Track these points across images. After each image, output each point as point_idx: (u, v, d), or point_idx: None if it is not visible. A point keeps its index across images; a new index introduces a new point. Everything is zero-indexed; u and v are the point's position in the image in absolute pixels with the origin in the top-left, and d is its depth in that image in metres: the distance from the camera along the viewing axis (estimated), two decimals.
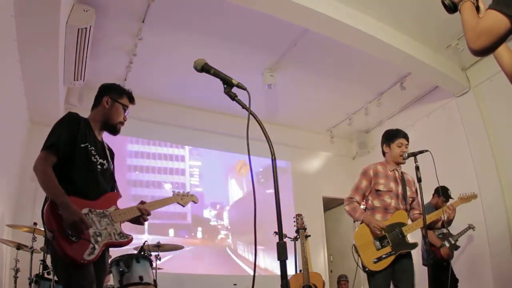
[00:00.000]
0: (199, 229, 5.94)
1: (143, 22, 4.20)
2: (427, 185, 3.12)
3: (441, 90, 5.48)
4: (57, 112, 4.79)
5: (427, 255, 4.10)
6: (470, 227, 4.50)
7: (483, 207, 4.67)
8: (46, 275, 3.32)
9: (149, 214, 2.19)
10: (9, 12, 3.05)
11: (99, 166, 2.07)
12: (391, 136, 3.06)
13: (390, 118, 6.50)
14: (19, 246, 3.44)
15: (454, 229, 4.53)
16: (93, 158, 2.04)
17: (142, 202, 2.22)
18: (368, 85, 5.74)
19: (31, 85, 4.13)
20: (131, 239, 2.05)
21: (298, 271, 4.69)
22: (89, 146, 2.04)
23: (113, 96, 2.20)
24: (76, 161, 1.97)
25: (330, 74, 5.42)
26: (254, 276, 1.40)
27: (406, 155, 3.14)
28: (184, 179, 6.09)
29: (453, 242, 4.35)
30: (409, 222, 2.94)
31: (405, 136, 3.05)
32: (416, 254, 4.36)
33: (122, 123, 2.24)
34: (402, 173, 3.06)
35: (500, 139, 4.76)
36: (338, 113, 6.57)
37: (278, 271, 1.28)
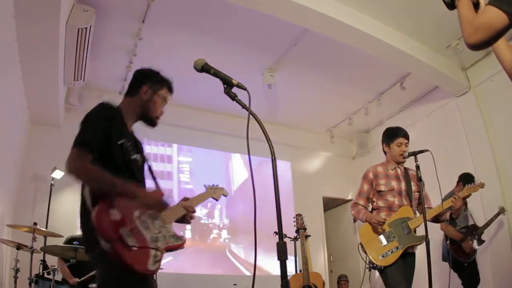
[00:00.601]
0: (188, 227, 5.79)
1: (143, 22, 4.20)
2: (427, 185, 3.13)
3: (441, 90, 5.48)
4: (57, 112, 4.80)
5: (447, 254, 4.10)
6: (501, 211, 4.27)
7: (483, 207, 4.67)
8: (46, 275, 3.32)
9: (194, 212, 1.94)
10: (9, 12, 3.05)
11: (138, 162, 1.85)
12: (391, 135, 3.06)
13: (390, 118, 6.50)
14: (19, 246, 3.44)
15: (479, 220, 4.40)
16: (131, 155, 1.79)
17: (185, 199, 1.97)
18: (368, 85, 5.74)
19: (31, 85, 4.13)
20: (185, 240, 1.84)
21: (298, 271, 4.69)
22: (125, 142, 1.78)
23: (153, 87, 1.97)
24: (113, 159, 1.71)
25: (330, 74, 5.42)
26: (254, 276, 1.41)
27: (407, 154, 3.14)
28: (173, 177, 5.97)
29: (477, 237, 4.18)
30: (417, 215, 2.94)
31: (405, 135, 3.04)
32: (437, 250, 4.35)
33: (158, 117, 2.04)
34: (405, 169, 3.06)
35: (500, 139, 4.76)
36: (338, 113, 6.57)
37: (275, 271, 1.28)
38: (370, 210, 3.03)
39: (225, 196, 2.38)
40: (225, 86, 1.50)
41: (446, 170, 4.28)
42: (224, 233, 6.08)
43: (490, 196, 4.62)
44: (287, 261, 1.28)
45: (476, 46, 1.27)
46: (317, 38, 4.45)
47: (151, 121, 2.01)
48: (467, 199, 4.34)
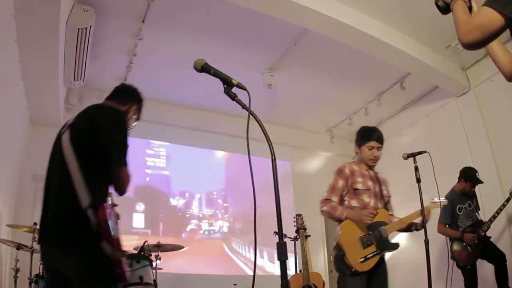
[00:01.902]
0: (161, 215, 5.73)
1: (143, 22, 4.20)
2: (427, 185, 3.13)
3: (441, 90, 5.48)
4: (57, 112, 4.79)
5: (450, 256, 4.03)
6: (511, 196, 3.99)
7: (483, 207, 4.67)
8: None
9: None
10: (9, 12, 3.05)
11: None
12: (362, 138, 2.88)
13: (390, 118, 6.50)
14: (19, 246, 3.44)
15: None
16: None
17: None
18: (368, 85, 5.74)
19: (31, 85, 4.13)
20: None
21: (298, 271, 4.69)
22: None
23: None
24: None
25: (330, 74, 5.42)
26: (254, 276, 1.41)
27: (406, 155, 3.13)
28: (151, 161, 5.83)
29: (482, 234, 4.02)
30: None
31: (379, 139, 2.84)
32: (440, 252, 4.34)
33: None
34: (375, 172, 2.93)
35: (500, 139, 4.76)
36: (338, 113, 6.57)
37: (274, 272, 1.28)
38: None
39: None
40: (225, 86, 1.50)
41: (446, 170, 4.29)
42: (205, 225, 5.96)
43: (490, 196, 4.62)
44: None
45: (470, 45, 1.29)
46: (317, 38, 4.45)
47: None
48: (476, 192, 4.33)
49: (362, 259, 2.53)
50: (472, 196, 4.31)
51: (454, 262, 4.08)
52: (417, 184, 2.99)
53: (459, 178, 4.29)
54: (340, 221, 2.70)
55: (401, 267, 5.91)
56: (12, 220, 4.33)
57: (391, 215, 2.88)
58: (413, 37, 4.62)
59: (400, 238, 6.03)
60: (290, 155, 6.79)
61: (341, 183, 2.77)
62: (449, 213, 4.18)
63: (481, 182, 4.20)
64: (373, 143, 2.82)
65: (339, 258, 2.60)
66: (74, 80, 4.36)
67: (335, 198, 2.75)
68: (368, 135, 2.86)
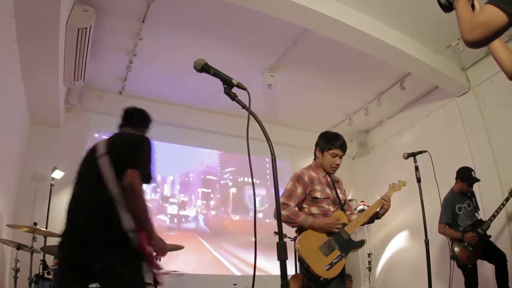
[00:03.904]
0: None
1: (143, 22, 4.20)
2: (426, 185, 3.13)
3: (441, 90, 5.48)
4: (57, 112, 4.80)
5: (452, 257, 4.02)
6: (511, 195, 3.99)
7: (483, 207, 4.67)
8: (46, 275, 3.32)
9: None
10: (9, 12, 3.06)
11: None
12: (327, 143, 2.81)
13: (390, 118, 6.51)
14: (19, 246, 3.44)
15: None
16: None
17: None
18: (368, 85, 5.74)
19: (31, 85, 4.14)
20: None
21: (298, 271, 4.69)
22: None
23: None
24: None
25: (330, 74, 5.42)
26: (254, 276, 1.41)
27: (406, 155, 3.13)
28: None
29: (482, 233, 4.02)
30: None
31: (342, 147, 2.80)
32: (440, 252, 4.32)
33: None
34: (331, 176, 2.89)
35: (500, 139, 4.76)
36: (338, 113, 6.57)
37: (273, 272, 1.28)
38: None
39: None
40: (225, 86, 1.51)
41: (446, 170, 4.29)
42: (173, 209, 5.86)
43: (490, 196, 4.62)
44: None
45: (474, 44, 1.28)
46: (317, 38, 4.45)
47: None
48: (475, 192, 4.31)
49: (328, 267, 2.48)
50: (471, 196, 4.32)
51: (455, 262, 4.08)
52: (417, 184, 2.99)
53: (456, 178, 4.31)
54: (300, 227, 2.65)
55: (401, 267, 5.91)
56: (12, 220, 4.33)
57: (350, 214, 2.86)
58: (413, 37, 4.62)
59: (400, 238, 6.04)
60: (290, 155, 6.80)
61: (300, 190, 2.67)
62: (449, 212, 4.18)
63: (477, 180, 4.21)
64: (337, 151, 2.78)
65: (304, 271, 2.54)
66: (74, 80, 4.36)
67: (292, 204, 2.63)
68: (333, 142, 2.80)
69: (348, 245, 2.61)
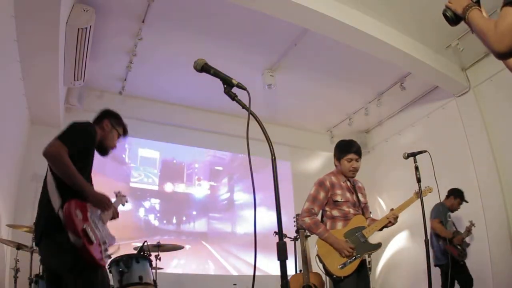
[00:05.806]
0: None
1: (143, 22, 4.20)
2: (427, 185, 3.14)
3: (441, 90, 5.48)
4: (57, 112, 4.79)
5: (442, 255, 4.20)
6: (472, 224, 4.48)
7: (483, 207, 4.68)
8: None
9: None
10: (9, 12, 3.06)
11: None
12: (341, 151, 2.98)
13: (390, 118, 6.51)
14: (19, 246, 3.44)
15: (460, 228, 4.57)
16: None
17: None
18: (368, 85, 5.74)
19: (31, 85, 4.13)
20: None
21: (298, 271, 4.69)
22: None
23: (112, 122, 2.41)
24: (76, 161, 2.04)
25: (330, 74, 5.42)
26: (254, 276, 1.40)
27: (406, 155, 3.15)
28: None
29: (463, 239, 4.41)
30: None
31: (357, 151, 2.95)
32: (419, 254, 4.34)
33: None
34: (353, 182, 3.04)
35: (500, 139, 4.76)
36: (338, 113, 6.57)
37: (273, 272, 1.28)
38: (321, 219, 2.96)
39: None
40: (225, 86, 1.50)
41: (446, 170, 4.30)
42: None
43: (490, 196, 4.63)
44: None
45: (506, 54, 1.17)
46: (317, 38, 4.45)
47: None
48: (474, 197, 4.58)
49: (341, 266, 2.68)
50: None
51: (451, 264, 4.17)
52: (417, 184, 2.99)
53: (448, 195, 4.56)
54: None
55: (401, 267, 5.92)
56: (12, 220, 4.33)
57: (368, 218, 3.00)
58: (413, 37, 4.62)
59: (400, 238, 6.04)
60: (290, 155, 6.79)
61: (322, 194, 2.87)
62: (442, 215, 4.38)
63: (466, 202, 4.57)
64: (351, 155, 2.93)
65: (323, 268, 2.78)
66: (74, 80, 4.35)
67: (316, 209, 2.86)
68: (347, 148, 2.97)
69: (364, 248, 2.77)
